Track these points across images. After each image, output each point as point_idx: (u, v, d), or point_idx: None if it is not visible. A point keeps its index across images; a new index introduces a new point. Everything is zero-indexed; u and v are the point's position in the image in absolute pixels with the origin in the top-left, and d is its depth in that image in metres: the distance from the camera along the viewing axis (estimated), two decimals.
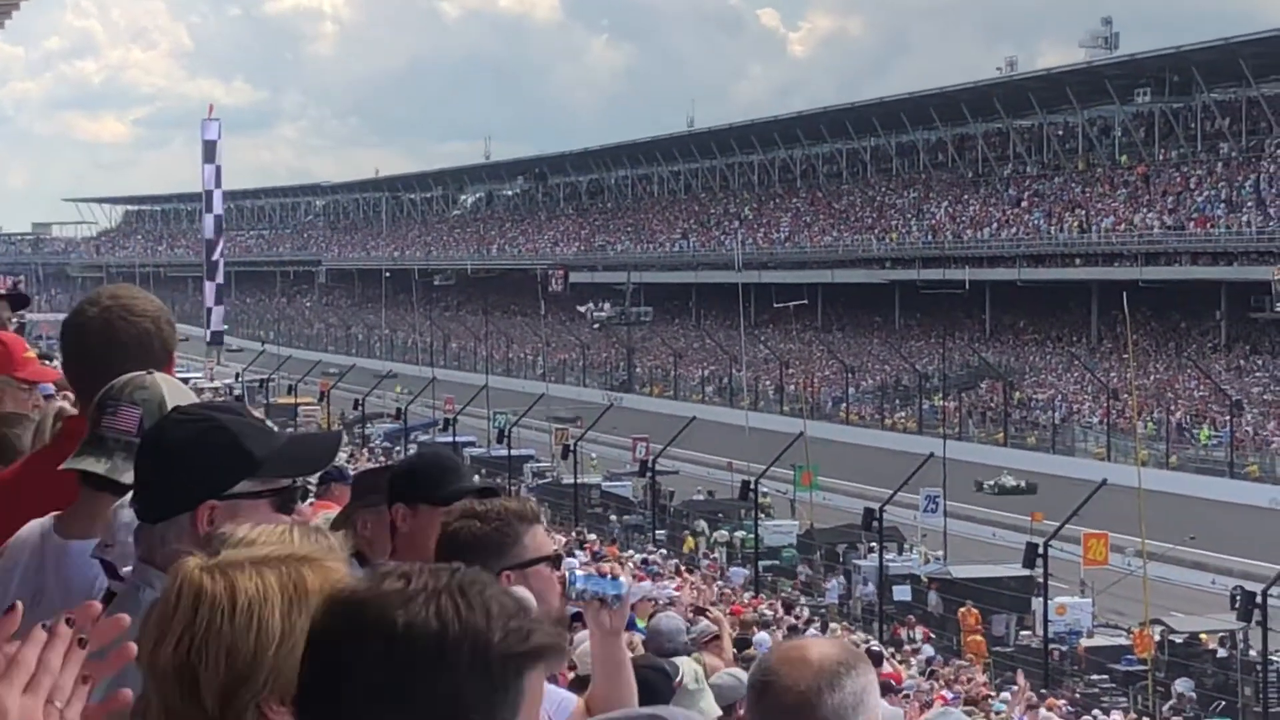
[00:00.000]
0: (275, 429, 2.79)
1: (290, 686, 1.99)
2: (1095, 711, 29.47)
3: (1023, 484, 57.22)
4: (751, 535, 42.58)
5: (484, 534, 3.59)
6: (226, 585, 2.02)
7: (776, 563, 42.43)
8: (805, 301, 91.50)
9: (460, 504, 3.71)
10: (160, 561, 2.60)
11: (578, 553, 27.31)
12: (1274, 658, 30.03)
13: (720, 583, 35.48)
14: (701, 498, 50.76)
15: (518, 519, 3.63)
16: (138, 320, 3.66)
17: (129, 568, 2.75)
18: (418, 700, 1.70)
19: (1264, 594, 28.86)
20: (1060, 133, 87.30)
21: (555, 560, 3.69)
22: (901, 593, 37.70)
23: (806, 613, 33.01)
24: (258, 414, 2.84)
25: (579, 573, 3.64)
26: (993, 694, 26.61)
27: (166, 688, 2.02)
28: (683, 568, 35.56)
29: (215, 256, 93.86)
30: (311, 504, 7.57)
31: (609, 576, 3.56)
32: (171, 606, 2.04)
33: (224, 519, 2.60)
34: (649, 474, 48.04)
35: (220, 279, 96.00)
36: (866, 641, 27.90)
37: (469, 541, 3.58)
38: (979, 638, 34.43)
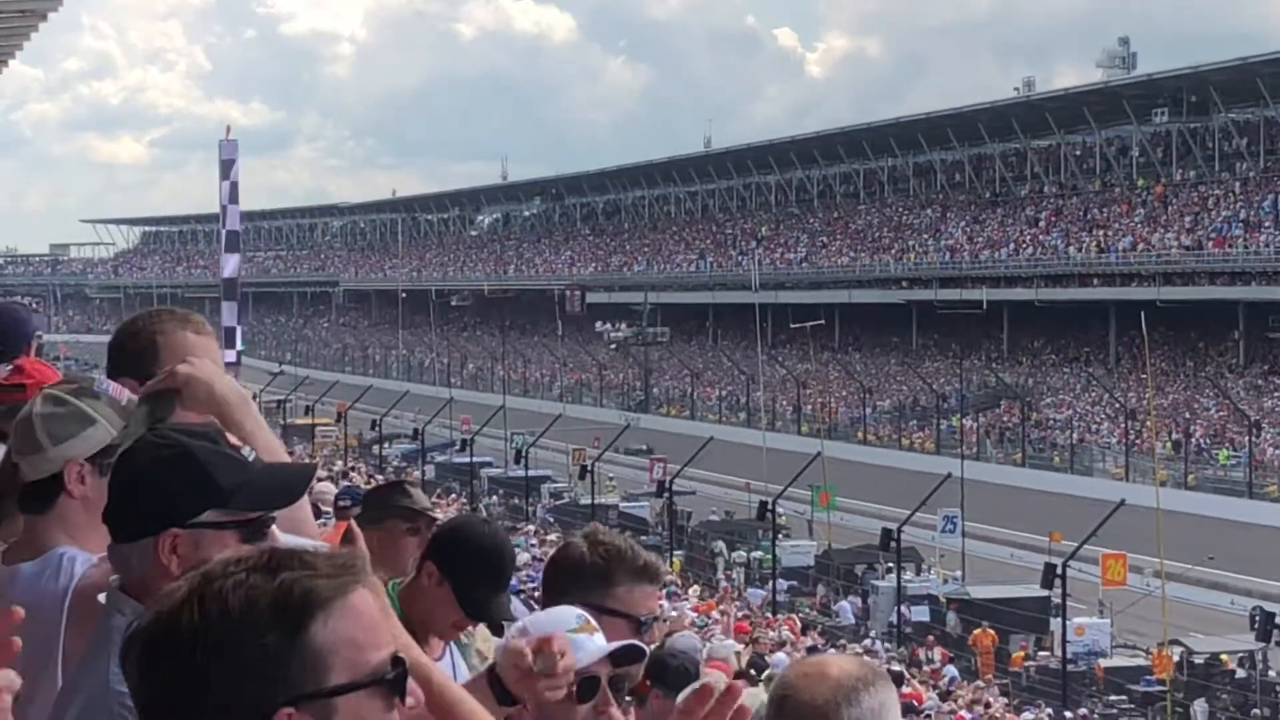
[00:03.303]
0: (249, 459, 2.68)
1: None
2: None
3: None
4: (769, 556, 42.54)
5: (588, 563, 3.49)
6: None
7: (794, 583, 42.41)
8: (822, 322, 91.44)
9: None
10: (130, 586, 2.58)
11: None
12: None
13: (738, 603, 35.41)
14: (718, 518, 50.67)
15: (626, 569, 3.48)
16: None
17: (101, 595, 2.70)
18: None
19: None
20: (1078, 153, 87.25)
21: (639, 623, 3.46)
22: (920, 613, 37.67)
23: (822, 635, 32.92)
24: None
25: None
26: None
27: None
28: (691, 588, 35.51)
29: (231, 274, 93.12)
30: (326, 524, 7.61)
31: None
32: None
33: (186, 549, 2.54)
34: (666, 494, 47.99)
35: (237, 298, 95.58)
36: (888, 661, 27.78)
37: (568, 565, 3.52)
38: (1021, 653, 34.53)
